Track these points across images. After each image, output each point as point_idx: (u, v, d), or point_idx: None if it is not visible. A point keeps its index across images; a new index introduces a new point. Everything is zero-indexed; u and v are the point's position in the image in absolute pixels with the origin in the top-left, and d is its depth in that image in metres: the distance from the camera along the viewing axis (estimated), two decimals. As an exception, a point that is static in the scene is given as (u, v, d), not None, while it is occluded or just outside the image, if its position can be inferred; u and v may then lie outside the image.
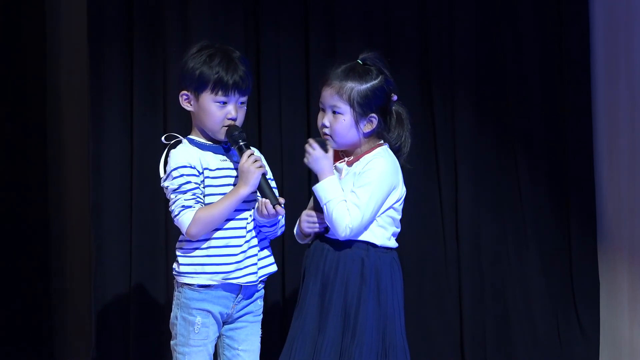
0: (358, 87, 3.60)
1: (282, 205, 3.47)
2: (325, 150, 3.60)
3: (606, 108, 5.04)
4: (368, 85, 3.61)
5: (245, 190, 3.44)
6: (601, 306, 5.06)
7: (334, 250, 3.62)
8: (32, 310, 4.91)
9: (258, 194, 3.51)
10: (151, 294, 4.80)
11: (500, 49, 5.04)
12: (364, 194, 3.58)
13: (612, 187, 5.02)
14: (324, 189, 3.57)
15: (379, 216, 3.63)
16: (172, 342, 3.54)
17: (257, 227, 3.55)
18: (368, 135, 3.65)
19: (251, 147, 3.50)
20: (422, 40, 4.99)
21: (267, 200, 3.46)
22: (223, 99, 3.47)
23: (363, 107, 3.60)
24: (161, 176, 3.50)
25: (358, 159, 3.64)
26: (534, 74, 5.06)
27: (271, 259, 3.60)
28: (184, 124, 4.59)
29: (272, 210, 3.46)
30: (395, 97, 3.70)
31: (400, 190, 3.68)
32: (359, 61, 3.66)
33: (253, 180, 3.44)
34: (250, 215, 3.52)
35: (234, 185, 3.49)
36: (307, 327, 3.60)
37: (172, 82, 4.76)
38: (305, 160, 3.59)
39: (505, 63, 5.04)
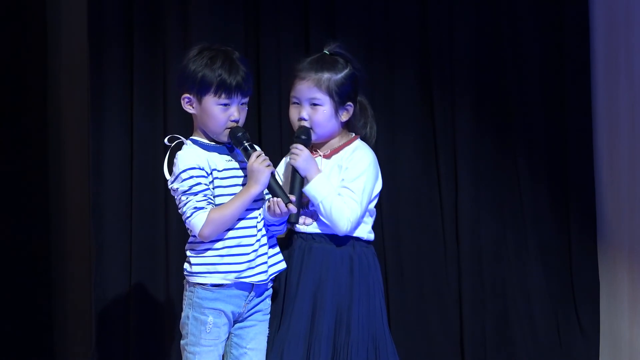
0: (334, 77, 3.64)
1: (294, 203, 3.48)
2: (308, 145, 3.61)
3: (606, 108, 5.04)
4: (342, 74, 3.66)
5: (256, 189, 3.45)
6: (601, 306, 5.06)
7: (320, 249, 3.63)
8: (32, 310, 4.91)
9: (266, 192, 3.52)
10: (151, 294, 4.80)
11: (500, 49, 5.04)
12: (357, 185, 3.61)
13: (612, 187, 5.02)
14: (316, 188, 3.58)
15: None
16: (182, 342, 3.54)
17: (265, 226, 3.55)
18: (344, 125, 3.68)
19: (256, 147, 3.51)
20: (422, 40, 5.00)
21: (279, 199, 3.47)
22: (226, 101, 3.48)
23: (341, 96, 3.64)
24: (167, 178, 3.50)
25: (337, 152, 3.65)
26: (534, 74, 5.06)
27: (280, 257, 3.61)
28: (184, 124, 4.59)
29: (284, 209, 3.47)
30: None
31: (380, 182, 3.71)
32: (326, 52, 3.70)
33: (263, 179, 3.45)
34: (260, 215, 3.53)
35: (242, 185, 3.50)
36: (298, 328, 3.60)
37: (172, 83, 4.76)
38: (293, 161, 3.60)
39: (505, 63, 5.04)
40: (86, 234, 4.88)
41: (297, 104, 3.66)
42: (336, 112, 3.65)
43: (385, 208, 4.91)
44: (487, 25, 5.02)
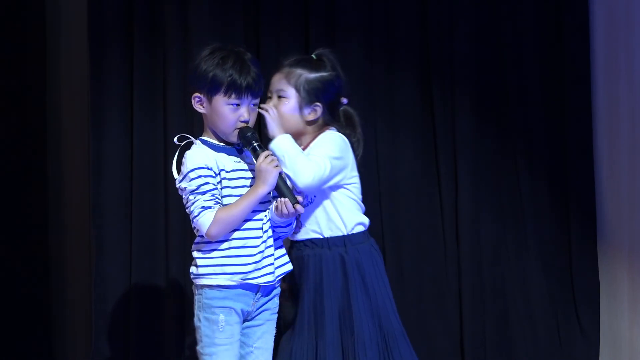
0: (307, 75, 3.65)
1: (301, 204, 3.48)
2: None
3: (606, 108, 5.04)
4: (317, 75, 3.66)
5: (263, 189, 3.46)
6: (601, 306, 5.06)
7: (313, 256, 3.64)
8: (32, 310, 4.91)
9: (273, 194, 3.52)
10: (151, 294, 4.80)
11: (500, 49, 5.04)
12: (319, 150, 3.59)
13: (612, 187, 5.02)
14: (279, 143, 3.54)
15: (336, 201, 3.63)
16: (197, 347, 3.53)
17: (271, 227, 3.56)
18: (311, 124, 3.67)
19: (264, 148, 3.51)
20: (422, 40, 5.00)
21: (287, 200, 3.47)
22: (236, 101, 3.49)
23: (309, 93, 3.64)
24: (175, 177, 3.51)
25: (307, 147, 3.65)
26: (534, 74, 5.07)
27: (286, 258, 3.62)
28: (185, 124, 4.61)
29: (292, 209, 3.48)
30: (345, 101, 3.73)
31: (352, 168, 3.68)
32: (313, 56, 3.69)
33: (271, 179, 3.46)
34: (266, 216, 3.54)
35: (250, 186, 3.50)
36: (303, 336, 3.60)
37: (172, 83, 4.76)
38: (265, 116, 3.59)
39: (505, 63, 5.05)
40: (86, 234, 4.88)
41: (270, 97, 3.69)
42: (300, 108, 3.65)
43: (386, 208, 4.91)
44: (487, 25, 5.03)
